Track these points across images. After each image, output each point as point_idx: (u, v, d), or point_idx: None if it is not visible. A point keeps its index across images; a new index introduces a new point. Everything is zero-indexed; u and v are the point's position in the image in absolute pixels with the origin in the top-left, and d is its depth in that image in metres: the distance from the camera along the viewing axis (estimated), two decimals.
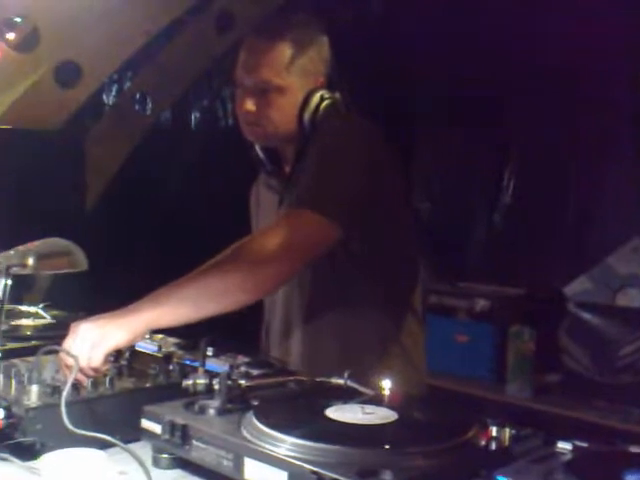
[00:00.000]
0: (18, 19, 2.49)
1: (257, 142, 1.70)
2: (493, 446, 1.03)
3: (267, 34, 1.62)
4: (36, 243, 1.09)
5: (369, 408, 1.13)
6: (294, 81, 1.60)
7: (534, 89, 3.03)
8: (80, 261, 1.10)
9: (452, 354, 2.91)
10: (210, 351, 1.52)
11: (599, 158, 2.98)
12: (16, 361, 1.41)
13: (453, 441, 1.02)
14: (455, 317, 3.03)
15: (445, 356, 2.72)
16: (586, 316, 2.77)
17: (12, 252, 1.06)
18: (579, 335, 2.79)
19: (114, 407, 1.27)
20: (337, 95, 1.66)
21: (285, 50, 1.59)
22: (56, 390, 1.23)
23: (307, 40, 1.62)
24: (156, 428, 1.16)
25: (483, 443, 1.03)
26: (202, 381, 1.24)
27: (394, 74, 3.26)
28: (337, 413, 1.11)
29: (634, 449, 1.00)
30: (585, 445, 0.99)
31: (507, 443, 1.03)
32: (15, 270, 1.03)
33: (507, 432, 1.04)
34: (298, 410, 1.19)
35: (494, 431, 1.05)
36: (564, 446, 0.99)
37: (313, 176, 1.54)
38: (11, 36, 2.53)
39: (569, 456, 0.97)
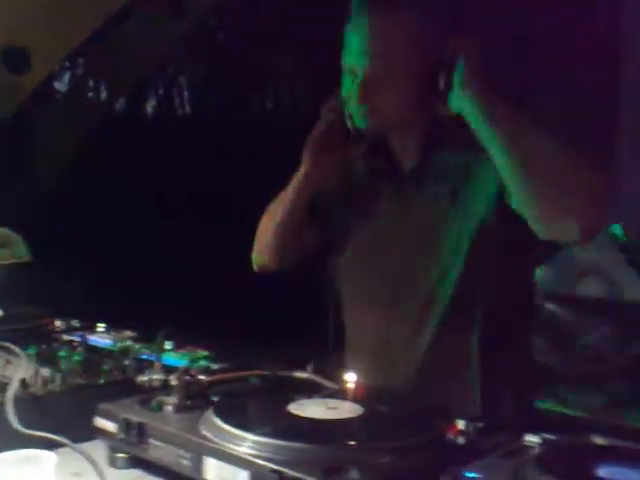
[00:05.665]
0: None
1: (376, 133, 1.46)
2: (461, 441, 1.00)
3: (385, 15, 1.36)
4: None
5: (333, 403, 1.10)
6: (411, 64, 1.35)
7: None
8: (21, 252, 1.03)
9: None
10: (169, 345, 1.47)
11: None
12: None
13: (421, 436, 0.99)
14: None
15: None
16: None
17: None
18: None
19: (65, 405, 1.20)
20: None
21: (405, 34, 1.35)
22: (2, 387, 1.17)
23: (426, 22, 1.37)
24: (111, 427, 1.11)
25: (451, 438, 1.00)
26: (158, 377, 1.19)
27: None
28: (300, 408, 1.07)
29: (602, 441, 0.99)
30: (554, 438, 0.97)
31: (474, 437, 1.01)
32: None
33: (474, 426, 1.02)
34: (259, 406, 1.15)
35: (461, 425, 1.02)
36: (533, 439, 0.97)
37: None
38: None
39: (539, 450, 0.94)
